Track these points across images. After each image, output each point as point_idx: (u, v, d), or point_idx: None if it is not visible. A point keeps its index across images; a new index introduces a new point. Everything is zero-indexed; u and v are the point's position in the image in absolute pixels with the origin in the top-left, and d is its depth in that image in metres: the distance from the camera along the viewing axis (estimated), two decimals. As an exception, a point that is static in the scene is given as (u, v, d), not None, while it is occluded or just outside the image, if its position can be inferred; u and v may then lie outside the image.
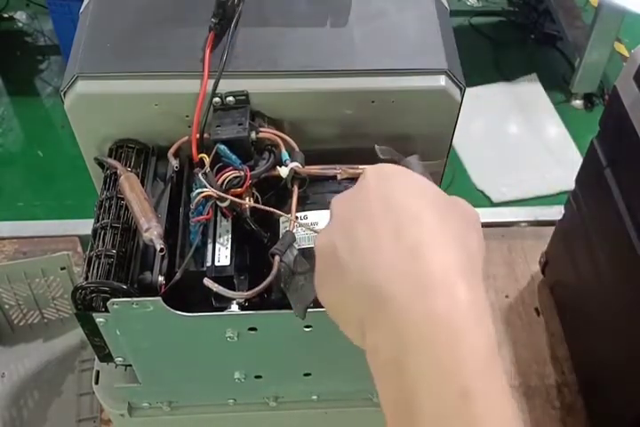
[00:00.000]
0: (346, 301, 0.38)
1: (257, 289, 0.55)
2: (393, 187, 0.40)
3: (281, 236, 0.59)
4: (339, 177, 0.63)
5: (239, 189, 0.60)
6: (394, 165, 0.42)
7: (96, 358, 0.65)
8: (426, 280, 0.34)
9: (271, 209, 0.60)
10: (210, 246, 0.60)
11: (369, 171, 0.41)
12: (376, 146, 0.62)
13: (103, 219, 0.61)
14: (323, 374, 0.67)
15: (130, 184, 0.62)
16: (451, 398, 0.32)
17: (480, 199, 1.64)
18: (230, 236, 0.61)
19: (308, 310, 0.56)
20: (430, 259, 0.35)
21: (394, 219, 0.37)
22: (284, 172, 0.61)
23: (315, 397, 0.72)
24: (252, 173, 0.60)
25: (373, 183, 0.40)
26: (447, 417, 0.32)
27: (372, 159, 0.63)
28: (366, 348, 0.36)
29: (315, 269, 0.41)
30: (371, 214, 0.38)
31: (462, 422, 0.31)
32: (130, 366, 0.65)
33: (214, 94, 0.62)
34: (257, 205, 0.60)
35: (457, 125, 0.68)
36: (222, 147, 0.60)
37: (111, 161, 0.65)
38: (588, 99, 1.90)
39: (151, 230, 0.57)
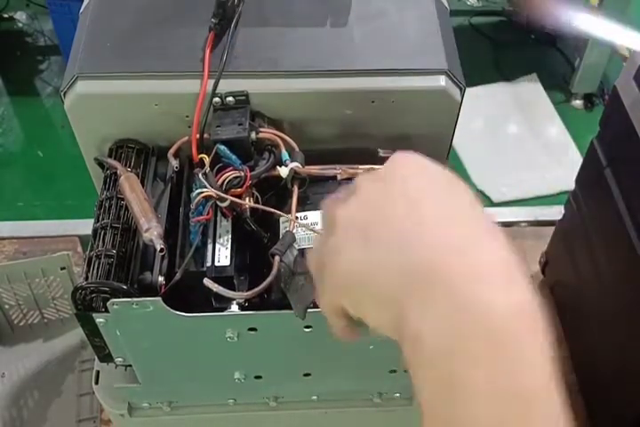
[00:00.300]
0: (376, 279, 0.34)
1: (257, 289, 0.55)
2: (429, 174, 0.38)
3: (281, 236, 0.59)
4: (339, 177, 0.63)
5: (239, 190, 0.60)
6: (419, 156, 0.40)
7: (96, 358, 0.65)
8: (488, 270, 0.32)
9: (271, 209, 0.60)
10: (210, 247, 0.60)
11: (397, 157, 0.40)
12: (379, 150, 0.61)
13: (103, 219, 0.61)
14: (323, 375, 0.67)
15: (130, 184, 0.62)
16: (509, 404, 0.29)
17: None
18: (230, 236, 0.61)
19: (308, 310, 0.56)
20: (489, 249, 0.33)
21: (444, 201, 0.36)
22: (284, 172, 0.61)
23: (315, 397, 0.72)
24: (252, 173, 0.60)
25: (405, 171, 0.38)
26: (504, 422, 0.29)
27: (372, 159, 0.63)
28: (403, 334, 0.33)
29: (324, 239, 0.38)
30: (407, 195, 0.36)
31: None
32: (130, 366, 0.65)
33: (214, 94, 0.62)
34: (257, 206, 0.60)
35: (457, 125, 0.68)
36: (222, 147, 0.60)
37: (111, 161, 0.65)
38: (588, 99, 1.90)
39: (151, 230, 0.57)
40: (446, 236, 0.33)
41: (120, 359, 0.64)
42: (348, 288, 0.36)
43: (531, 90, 1.94)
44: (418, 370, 0.32)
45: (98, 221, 0.62)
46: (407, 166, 0.39)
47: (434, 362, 0.31)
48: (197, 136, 0.62)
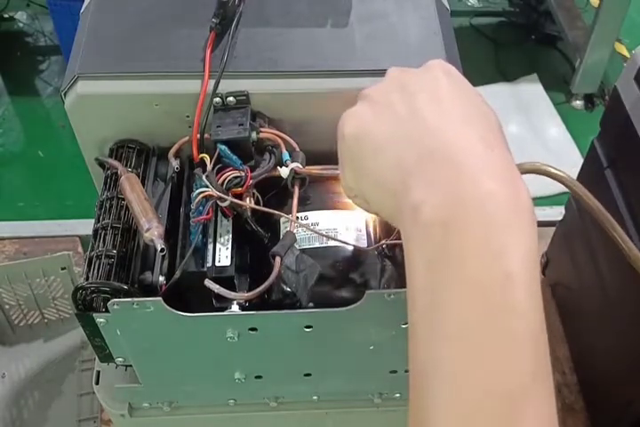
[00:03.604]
0: (394, 147, 0.38)
1: (258, 290, 0.55)
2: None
3: (281, 236, 0.59)
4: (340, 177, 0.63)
5: (240, 189, 0.60)
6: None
7: (96, 358, 0.65)
8: (496, 168, 0.35)
9: (271, 210, 0.60)
10: (210, 247, 0.60)
11: (433, 62, 0.44)
12: None
13: (104, 219, 0.61)
14: (323, 375, 0.67)
15: (130, 184, 0.62)
16: (495, 272, 0.32)
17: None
18: (231, 236, 0.61)
19: (309, 310, 0.56)
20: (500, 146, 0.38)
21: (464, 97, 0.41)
22: (284, 172, 0.61)
23: (315, 397, 0.72)
24: (253, 173, 0.60)
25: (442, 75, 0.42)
26: (487, 288, 0.32)
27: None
28: (403, 206, 0.36)
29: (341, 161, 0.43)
30: (438, 90, 0.40)
31: (503, 299, 0.32)
32: (130, 366, 0.65)
33: (215, 94, 0.62)
34: (257, 207, 0.60)
35: (457, 126, 0.68)
36: (223, 147, 0.60)
37: (112, 161, 0.65)
38: (589, 99, 1.90)
39: (152, 231, 0.57)
40: (467, 134, 0.37)
41: (120, 359, 0.64)
42: (359, 157, 0.41)
43: (531, 90, 1.94)
44: (412, 241, 0.35)
45: (98, 221, 0.62)
46: (442, 69, 0.42)
47: (428, 230, 0.34)
48: (198, 136, 0.62)
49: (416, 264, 0.35)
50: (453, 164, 0.35)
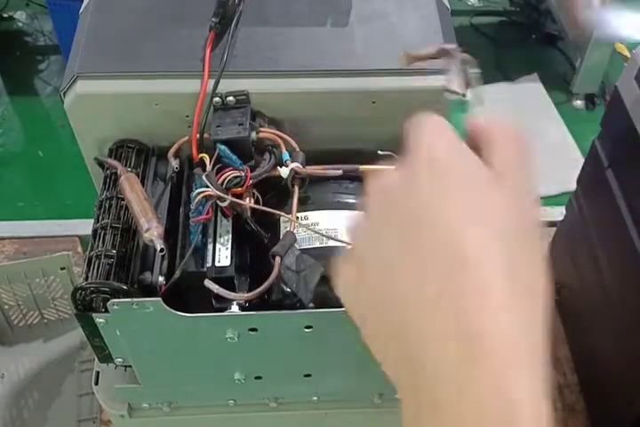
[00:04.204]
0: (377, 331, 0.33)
1: (258, 290, 0.55)
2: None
3: (281, 236, 0.59)
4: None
5: (239, 189, 0.60)
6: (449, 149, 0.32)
7: (96, 358, 0.65)
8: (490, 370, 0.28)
9: (271, 210, 0.59)
10: (210, 247, 0.60)
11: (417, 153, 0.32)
12: (379, 152, 0.61)
13: (103, 219, 0.61)
14: (323, 375, 0.67)
15: (130, 184, 0.62)
16: None
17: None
18: (231, 236, 0.61)
19: (309, 310, 0.55)
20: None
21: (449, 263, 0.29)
22: (284, 172, 0.61)
23: (315, 398, 0.71)
24: (253, 173, 0.60)
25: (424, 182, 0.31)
26: None
27: (373, 160, 0.62)
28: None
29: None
30: (419, 199, 0.30)
31: None
32: (130, 366, 0.65)
33: (214, 94, 0.62)
34: (257, 207, 0.60)
35: (458, 126, 0.68)
36: (223, 147, 0.60)
37: (111, 161, 0.65)
38: (590, 99, 1.90)
39: (151, 231, 0.57)
40: (438, 315, 0.29)
41: (120, 360, 0.63)
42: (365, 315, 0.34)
43: (532, 90, 1.94)
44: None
45: (98, 221, 0.61)
46: (424, 168, 0.31)
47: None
48: (197, 136, 0.62)
49: None
50: (420, 361, 0.29)
